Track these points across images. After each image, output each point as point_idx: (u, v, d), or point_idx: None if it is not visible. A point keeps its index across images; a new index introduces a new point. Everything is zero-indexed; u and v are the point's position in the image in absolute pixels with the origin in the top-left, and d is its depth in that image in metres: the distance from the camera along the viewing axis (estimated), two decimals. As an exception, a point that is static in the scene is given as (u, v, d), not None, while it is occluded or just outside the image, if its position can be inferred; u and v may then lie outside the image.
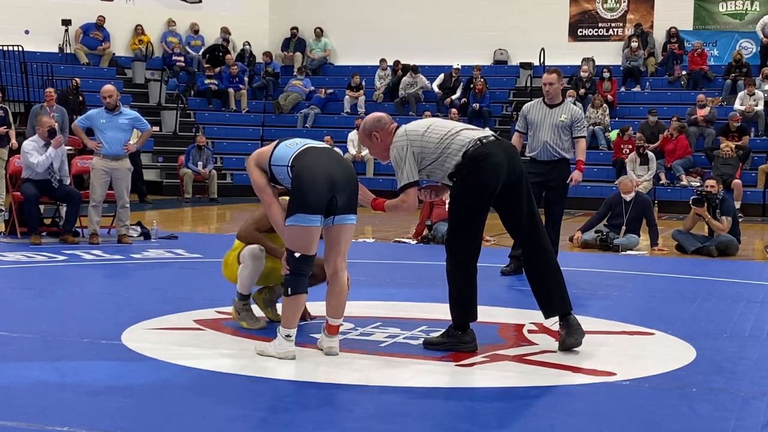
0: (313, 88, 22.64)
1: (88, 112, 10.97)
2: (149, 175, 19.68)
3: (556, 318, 5.66)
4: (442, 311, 6.56)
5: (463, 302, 5.56)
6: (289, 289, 5.18)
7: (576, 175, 8.76)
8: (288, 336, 5.20)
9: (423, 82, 22.00)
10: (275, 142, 5.42)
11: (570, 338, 5.53)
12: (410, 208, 5.56)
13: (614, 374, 5.02)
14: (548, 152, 8.68)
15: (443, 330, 5.64)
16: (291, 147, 5.30)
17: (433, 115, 20.68)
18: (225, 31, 23.57)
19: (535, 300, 5.68)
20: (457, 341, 5.49)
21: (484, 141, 5.41)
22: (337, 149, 5.48)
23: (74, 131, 10.94)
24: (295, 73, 23.13)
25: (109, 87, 10.82)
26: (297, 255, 5.15)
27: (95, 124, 10.53)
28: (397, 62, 22.61)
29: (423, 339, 5.70)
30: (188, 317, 6.33)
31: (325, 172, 5.12)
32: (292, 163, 5.19)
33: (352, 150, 19.78)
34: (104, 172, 10.42)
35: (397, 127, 5.58)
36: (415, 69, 22.13)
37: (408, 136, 5.47)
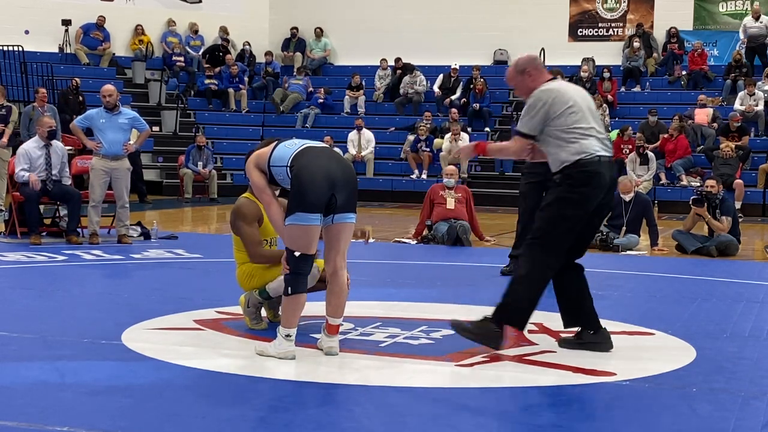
0: (312, 89, 22.59)
1: (87, 112, 10.95)
2: (149, 175, 19.68)
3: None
4: (442, 311, 6.57)
5: (526, 309, 5.44)
6: (289, 288, 5.19)
7: None
8: (288, 336, 5.20)
9: (423, 81, 22.00)
10: (274, 143, 5.42)
11: (605, 345, 5.59)
12: (516, 153, 5.71)
13: (614, 374, 5.02)
14: None
15: (473, 320, 5.48)
16: (290, 147, 5.29)
17: (433, 116, 20.70)
18: (224, 31, 23.57)
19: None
20: (487, 332, 5.38)
21: (602, 159, 5.36)
22: (336, 149, 5.47)
23: (73, 131, 10.90)
24: (294, 74, 23.09)
25: (109, 87, 10.81)
26: (297, 254, 5.16)
27: (95, 124, 10.52)
28: (398, 59, 22.56)
29: (451, 320, 5.58)
30: (188, 317, 6.33)
31: (324, 172, 5.11)
32: (291, 163, 5.19)
33: (352, 150, 19.78)
34: (104, 172, 10.42)
35: (552, 79, 5.57)
36: (412, 68, 22.13)
37: (555, 97, 5.40)
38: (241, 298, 6.11)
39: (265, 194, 5.36)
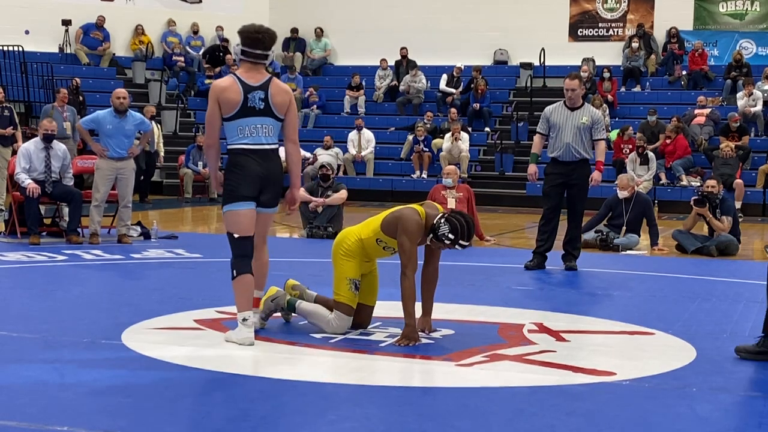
0: (311, 91, 22.37)
1: (95, 114, 10.83)
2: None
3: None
4: (441, 311, 6.57)
5: None
6: (234, 270, 5.49)
7: (596, 175, 9.24)
8: (244, 320, 5.44)
9: (423, 80, 21.97)
10: (240, 105, 5.50)
11: None
12: None
13: (614, 374, 5.02)
14: (570, 153, 9.10)
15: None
16: (240, 135, 5.54)
17: (434, 116, 20.70)
18: (223, 31, 23.54)
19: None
20: None
21: None
22: (274, 146, 5.67)
23: (78, 132, 10.90)
24: (287, 73, 22.85)
25: (122, 90, 10.73)
26: (236, 236, 5.53)
27: (101, 128, 10.46)
28: (403, 48, 22.47)
29: (736, 347, 5.51)
30: (188, 317, 6.33)
31: (255, 178, 5.52)
32: (229, 150, 5.56)
33: (352, 150, 19.77)
34: (110, 172, 10.43)
35: None
36: (413, 65, 22.14)
37: None
38: (273, 289, 6.06)
39: (213, 128, 5.60)
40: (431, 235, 5.75)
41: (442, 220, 5.73)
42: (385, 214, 5.89)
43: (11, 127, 14.26)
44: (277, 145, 5.68)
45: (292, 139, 5.74)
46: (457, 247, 5.76)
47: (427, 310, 5.95)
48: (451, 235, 5.70)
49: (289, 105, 5.67)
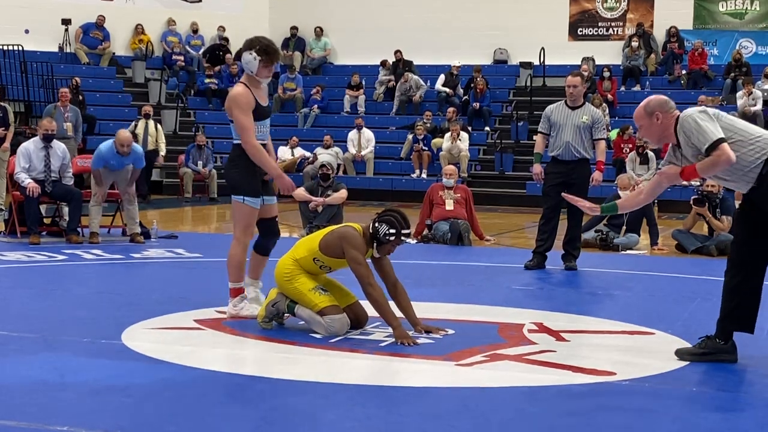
0: (316, 89, 22.37)
1: (100, 151, 10.56)
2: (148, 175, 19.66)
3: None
4: (441, 311, 6.57)
5: (745, 316, 5.33)
6: None
7: (597, 175, 9.24)
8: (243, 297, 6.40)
9: (418, 83, 21.91)
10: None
11: (732, 355, 5.35)
12: (729, 160, 5.13)
13: (614, 374, 5.02)
14: (570, 152, 9.06)
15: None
16: None
17: (434, 115, 20.70)
18: (223, 31, 23.56)
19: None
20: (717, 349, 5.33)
21: None
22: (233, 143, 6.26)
23: (94, 177, 10.70)
24: (287, 73, 22.84)
25: (128, 136, 10.58)
26: None
27: (107, 164, 10.51)
28: (397, 51, 22.48)
29: (676, 349, 5.47)
30: (188, 317, 6.33)
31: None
32: None
33: (352, 149, 19.77)
34: (107, 174, 10.50)
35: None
36: (410, 70, 22.12)
37: (707, 111, 5.35)
38: (273, 293, 6.07)
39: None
40: (375, 243, 5.82)
41: (377, 224, 5.82)
42: (320, 235, 5.98)
43: (2, 128, 14.16)
44: (234, 142, 6.29)
45: (240, 139, 6.24)
46: (402, 239, 5.87)
47: (414, 320, 5.93)
48: (392, 230, 5.78)
49: (230, 110, 6.23)
